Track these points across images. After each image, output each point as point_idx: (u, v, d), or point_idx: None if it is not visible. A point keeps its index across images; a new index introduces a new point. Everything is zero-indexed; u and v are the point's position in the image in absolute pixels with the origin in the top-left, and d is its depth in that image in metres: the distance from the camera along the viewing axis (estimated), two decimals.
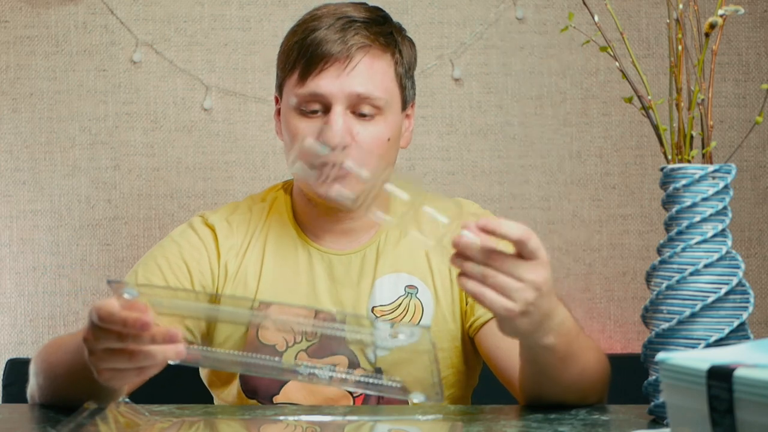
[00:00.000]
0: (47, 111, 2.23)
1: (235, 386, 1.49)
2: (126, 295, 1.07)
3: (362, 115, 1.42)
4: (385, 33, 1.46)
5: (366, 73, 1.42)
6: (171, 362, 1.12)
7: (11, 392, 2.00)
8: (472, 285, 1.10)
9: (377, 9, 1.49)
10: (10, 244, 2.24)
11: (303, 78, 1.42)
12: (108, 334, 1.09)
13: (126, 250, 2.24)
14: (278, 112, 1.52)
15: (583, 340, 1.27)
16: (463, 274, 1.11)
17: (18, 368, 2.00)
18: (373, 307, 1.47)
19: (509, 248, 1.10)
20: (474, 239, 1.08)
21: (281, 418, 1.27)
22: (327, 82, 1.41)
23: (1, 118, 2.23)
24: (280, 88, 1.49)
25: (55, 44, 2.23)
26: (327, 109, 1.42)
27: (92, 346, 1.11)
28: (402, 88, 1.48)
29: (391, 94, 1.45)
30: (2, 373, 2.06)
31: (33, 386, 1.36)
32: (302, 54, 1.42)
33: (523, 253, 1.10)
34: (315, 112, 1.42)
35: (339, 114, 1.41)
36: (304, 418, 1.27)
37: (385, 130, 1.44)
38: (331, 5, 1.47)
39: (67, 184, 2.24)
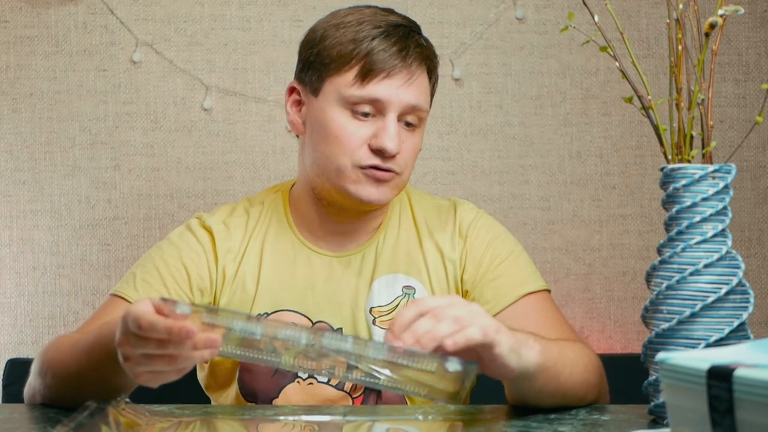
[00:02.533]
0: (47, 111, 2.23)
1: (233, 390, 1.49)
2: (179, 311, 1.08)
3: (407, 124, 1.45)
4: (430, 47, 1.50)
5: (420, 86, 1.46)
6: None
7: (11, 392, 2.00)
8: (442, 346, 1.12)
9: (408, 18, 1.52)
10: (10, 244, 2.24)
11: (363, 81, 1.42)
12: (147, 341, 1.08)
13: (126, 250, 2.24)
14: (296, 103, 1.51)
15: (557, 352, 1.27)
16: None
17: (18, 368, 2.00)
18: (371, 308, 1.48)
19: None
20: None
21: (281, 418, 1.27)
22: (389, 90, 1.42)
23: (1, 118, 2.23)
24: (318, 82, 1.46)
25: (55, 44, 2.23)
26: (379, 113, 1.43)
27: (129, 352, 1.11)
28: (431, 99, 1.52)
29: (428, 106, 1.49)
30: (2, 373, 2.06)
31: (36, 385, 1.36)
32: (362, 57, 1.42)
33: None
34: (366, 114, 1.43)
35: (394, 122, 1.43)
36: (304, 418, 1.27)
37: (420, 140, 1.49)
38: (366, 8, 1.48)
39: (67, 184, 2.24)
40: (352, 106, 1.43)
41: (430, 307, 1.13)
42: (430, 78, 1.49)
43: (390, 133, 1.42)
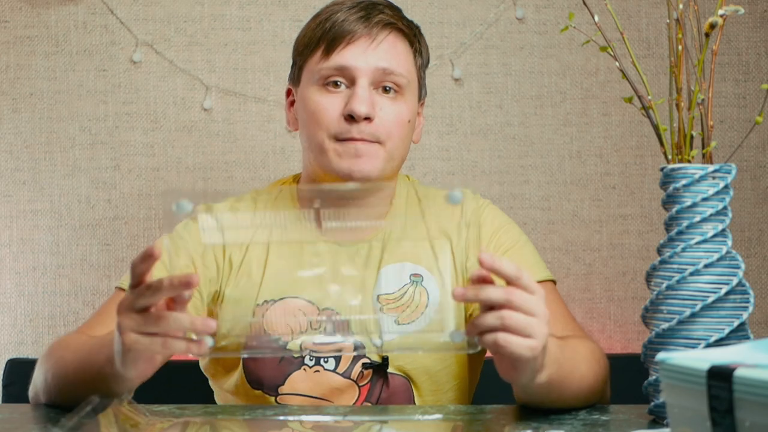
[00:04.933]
0: (47, 111, 2.23)
1: (238, 375, 1.48)
2: (175, 209, 1.05)
3: (385, 91, 1.46)
4: (401, 16, 1.51)
5: (390, 50, 1.46)
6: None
7: (11, 392, 2.00)
8: (493, 337, 1.09)
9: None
10: (10, 244, 2.24)
11: (327, 53, 1.45)
12: (148, 314, 1.10)
13: (126, 250, 2.24)
14: (291, 104, 1.55)
15: (569, 359, 1.26)
16: (478, 332, 1.10)
17: (18, 368, 2.00)
18: (378, 296, 1.48)
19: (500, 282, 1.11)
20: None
21: (281, 418, 1.27)
22: (353, 56, 1.44)
23: (1, 118, 2.23)
24: (298, 74, 1.52)
25: (55, 44, 2.23)
26: (351, 83, 1.45)
27: (127, 323, 1.11)
28: (419, 78, 1.52)
29: (412, 77, 1.50)
30: (2, 373, 2.06)
31: (39, 385, 1.36)
32: (326, 32, 1.46)
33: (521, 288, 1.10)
34: (338, 85, 1.45)
35: (364, 87, 1.44)
36: (305, 418, 1.27)
37: (406, 110, 1.48)
38: None
39: (67, 184, 2.24)
40: (323, 80, 1.46)
41: (522, 285, 1.09)
42: (412, 47, 1.50)
43: (359, 97, 1.43)
